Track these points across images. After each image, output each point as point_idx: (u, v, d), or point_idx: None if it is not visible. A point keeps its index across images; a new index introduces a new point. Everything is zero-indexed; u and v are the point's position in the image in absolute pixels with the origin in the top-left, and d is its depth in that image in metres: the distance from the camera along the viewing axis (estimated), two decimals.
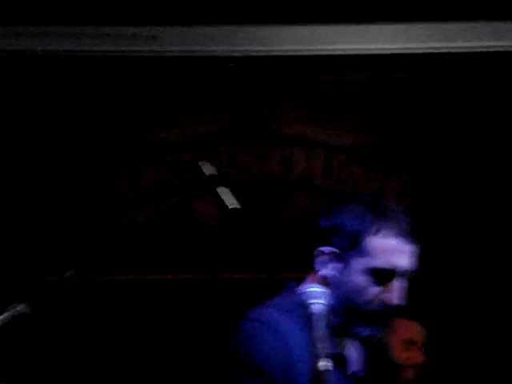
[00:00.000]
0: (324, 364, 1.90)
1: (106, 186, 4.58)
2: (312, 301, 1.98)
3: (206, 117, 4.62)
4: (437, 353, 3.76)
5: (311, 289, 2.01)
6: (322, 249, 2.20)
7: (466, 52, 4.45)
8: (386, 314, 2.15)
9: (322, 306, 1.99)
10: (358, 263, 2.14)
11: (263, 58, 4.50)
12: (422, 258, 2.19)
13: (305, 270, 4.35)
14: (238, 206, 3.21)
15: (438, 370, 3.80)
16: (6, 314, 2.94)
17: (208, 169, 3.29)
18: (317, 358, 1.90)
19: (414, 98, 4.63)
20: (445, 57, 4.48)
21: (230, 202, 3.14)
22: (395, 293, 2.14)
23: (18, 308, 2.95)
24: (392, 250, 2.13)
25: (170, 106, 4.62)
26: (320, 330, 1.95)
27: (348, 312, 2.15)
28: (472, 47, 4.46)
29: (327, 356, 1.91)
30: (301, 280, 2.30)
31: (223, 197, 3.11)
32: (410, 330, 3.64)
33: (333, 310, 2.10)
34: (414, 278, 2.19)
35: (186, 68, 4.52)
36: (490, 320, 4.37)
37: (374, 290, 2.14)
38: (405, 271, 2.15)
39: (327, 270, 2.19)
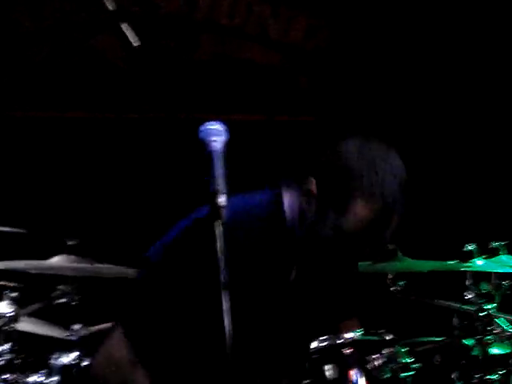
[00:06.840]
0: (223, 200, 1.91)
1: (8, 22, 4.41)
2: (212, 138, 1.96)
3: None
4: None
5: (211, 126, 1.99)
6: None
7: None
8: None
9: (221, 144, 1.98)
10: None
11: None
12: None
13: (212, 111, 4.35)
14: (139, 43, 3.15)
15: None
16: None
17: (111, 3, 3.20)
18: (216, 194, 1.91)
19: None
20: None
21: (134, 39, 3.08)
22: None
23: None
24: None
25: None
26: (220, 167, 1.94)
27: None
28: None
29: (225, 193, 1.92)
30: None
31: (127, 33, 3.04)
32: None
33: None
34: None
35: None
36: None
37: None
38: None
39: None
